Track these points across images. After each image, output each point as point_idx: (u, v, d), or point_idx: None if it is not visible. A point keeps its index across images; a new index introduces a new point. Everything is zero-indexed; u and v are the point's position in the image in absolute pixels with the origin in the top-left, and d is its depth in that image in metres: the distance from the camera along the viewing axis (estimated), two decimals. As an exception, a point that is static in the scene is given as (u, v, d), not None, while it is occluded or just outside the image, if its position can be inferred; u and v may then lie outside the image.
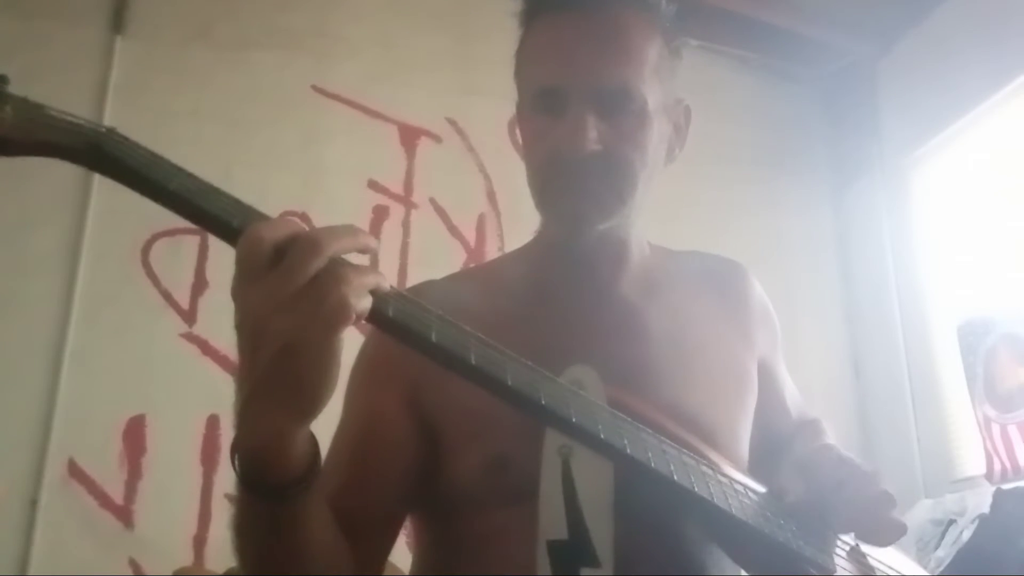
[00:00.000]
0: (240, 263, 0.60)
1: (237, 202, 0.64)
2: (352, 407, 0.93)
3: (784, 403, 1.06)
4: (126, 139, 0.65)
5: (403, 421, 0.89)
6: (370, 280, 0.61)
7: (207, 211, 0.62)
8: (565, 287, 0.96)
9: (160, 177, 0.63)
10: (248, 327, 0.61)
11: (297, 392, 0.62)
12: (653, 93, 0.90)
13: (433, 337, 0.66)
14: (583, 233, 0.91)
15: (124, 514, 2.58)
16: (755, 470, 0.91)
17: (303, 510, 0.69)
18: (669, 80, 0.94)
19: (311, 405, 0.62)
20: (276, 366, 0.60)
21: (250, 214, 0.64)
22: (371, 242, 0.64)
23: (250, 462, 0.66)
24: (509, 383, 0.68)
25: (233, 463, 0.67)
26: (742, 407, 0.97)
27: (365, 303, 0.60)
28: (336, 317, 0.59)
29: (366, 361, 0.94)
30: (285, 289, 0.58)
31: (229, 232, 0.63)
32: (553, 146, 0.88)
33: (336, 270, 0.59)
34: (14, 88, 0.63)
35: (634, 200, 0.92)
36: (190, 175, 0.64)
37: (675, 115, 0.98)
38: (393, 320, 0.65)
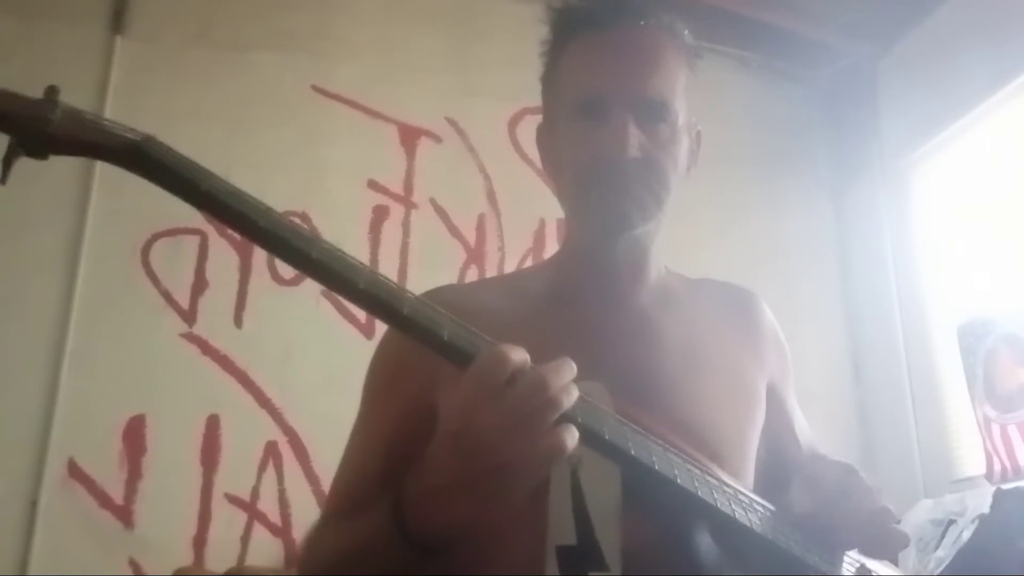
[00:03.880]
0: (481, 376, 0.67)
1: (268, 209, 0.70)
2: (378, 402, 0.96)
3: (793, 431, 1.08)
4: (161, 143, 0.71)
5: (429, 417, 0.90)
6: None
7: (235, 209, 0.69)
8: (585, 295, 0.98)
9: (192, 177, 0.70)
10: (474, 434, 0.67)
11: (498, 496, 0.69)
12: (682, 111, 0.96)
13: (444, 336, 0.70)
14: (622, 235, 0.95)
15: (124, 514, 2.58)
16: (763, 496, 0.91)
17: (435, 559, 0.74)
18: (688, 104, 1.00)
19: (503, 505, 0.69)
20: (491, 473, 0.67)
21: (272, 217, 0.69)
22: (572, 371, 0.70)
23: (422, 524, 0.71)
24: None
25: (399, 516, 0.72)
26: (751, 426, 0.99)
27: (572, 441, 0.67)
28: (558, 455, 0.66)
29: (385, 359, 0.98)
30: (521, 412, 0.66)
31: (255, 231, 0.69)
32: (596, 150, 0.92)
33: (544, 386, 0.67)
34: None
35: (665, 207, 0.96)
36: (219, 178, 0.71)
37: (690, 137, 1.03)
38: (407, 317, 0.70)
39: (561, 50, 0.99)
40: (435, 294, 0.97)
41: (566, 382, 0.68)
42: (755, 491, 0.91)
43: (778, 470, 1.00)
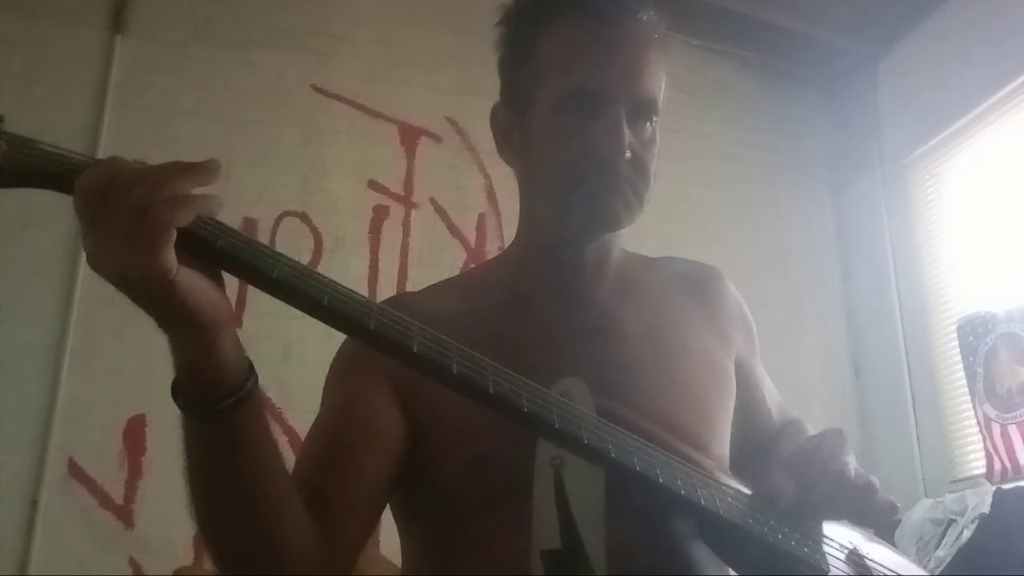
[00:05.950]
0: (76, 213, 0.62)
1: (231, 230, 0.66)
2: (332, 393, 0.92)
3: (763, 403, 1.06)
4: None
5: (386, 406, 0.88)
6: (181, 187, 0.61)
7: (187, 230, 0.63)
8: (545, 293, 0.96)
9: None
10: (101, 276, 0.61)
11: (168, 313, 0.63)
12: (660, 112, 0.93)
13: (414, 348, 0.68)
14: (604, 235, 0.93)
15: (124, 514, 2.58)
16: (738, 471, 0.91)
17: (242, 431, 0.70)
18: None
19: (194, 320, 0.64)
20: (136, 299, 0.62)
21: (230, 233, 0.65)
22: (209, 173, 0.63)
23: (184, 383, 0.67)
24: (491, 391, 0.70)
25: (176, 399, 0.68)
26: (723, 408, 0.98)
27: (182, 216, 0.60)
28: (151, 238, 0.59)
29: (347, 353, 0.94)
30: (108, 228, 0.60)
31: (210, 251, 0.64)
32: (589, 147, 0.88)
33: (144, 192, 0.59)
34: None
35: (645, 207, 0.93)
36: None
37: None
38: (375, 331, 0.67)
39: (540, 29, 0.93)
40: (394, 303, 0.95)
41: (163, 189, 0.60)
42: (731, 468, 0.90)
43: (752, 443, 1.00)
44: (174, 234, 0.60)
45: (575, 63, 0.90)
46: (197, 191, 0.62)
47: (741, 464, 0.95)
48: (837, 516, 0.87)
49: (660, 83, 0.92)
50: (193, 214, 0.61)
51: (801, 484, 0.84)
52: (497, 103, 1.00)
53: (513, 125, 0.97)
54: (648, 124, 0.91)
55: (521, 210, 1.00)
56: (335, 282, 0.67)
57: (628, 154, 0.87)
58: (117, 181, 0.60)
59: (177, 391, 0.68)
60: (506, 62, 0.99)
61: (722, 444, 0.95)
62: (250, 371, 0.69)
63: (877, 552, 0.92)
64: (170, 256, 0.60)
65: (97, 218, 0.60)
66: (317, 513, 0.77)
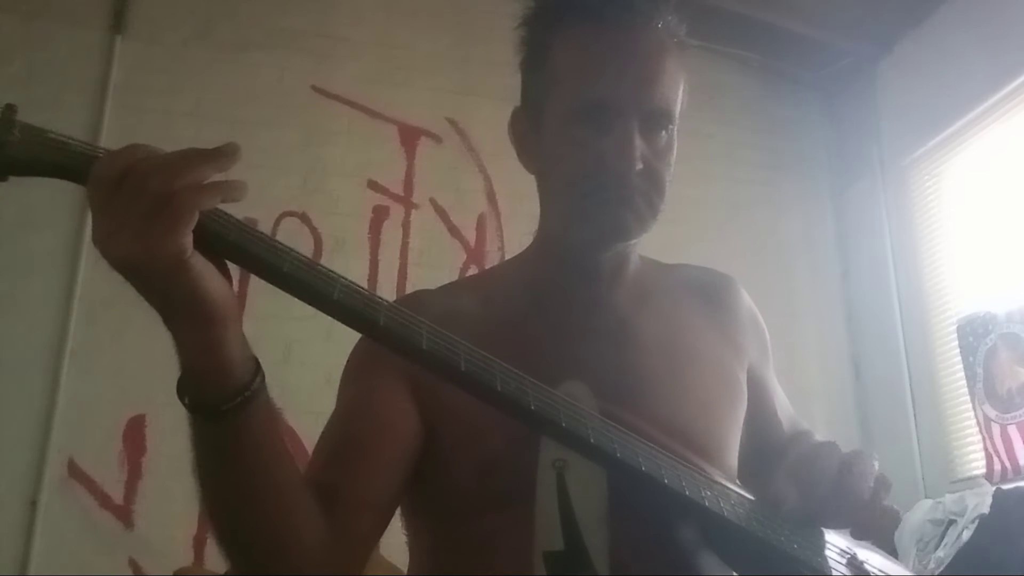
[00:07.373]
0: (90, 196, 0.62)
1: (241, 223, 0.66)
2: (347, 390, 0.93)
3: (775, 414, 1.06)
4: None
5: (400, 403, 0.88)
6: (202, 174, 0.61)
7: (199, 224, 0.63)
8: (562, 297, 0.96)
9: None
10: (109, 261, 0.61)
11: (180, 302, 0.63)
12: (677, 118, 0.93)
13: (423, 345, 0.68)
14: (615, 246, 0.93)
15: (124, 514, 2.58)
16: (746, 481, 0.91)
17: (248, 430, 0.69)
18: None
19: (203, 309, 0.63)
20: (146, 287, 0.63)
21: (241, 227, 0.65)
22: (229, 157, 0.63)
23: (190, 382, 0.67)
24: (498, 388, 0.70)
25: (181, 398, 0.68)
26: (733, 417, 0.98)
27: (207, 201, 0.61)
28: (172, 220, 0.59)
29: (363, 350, 0.94)
30: (125, 209, 0.60)
31: (221, 244, 0.64)
32: (599, 160, 0.87)
33: (168, 178, 0.60)
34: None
35: (660, 216, 0.93)
36: None
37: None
38: (384, 327, 0.67)
39: (554, 35, 0.92)
40: (410, 300, 0.95)
41: (185, 175, 0.60)
42: (739, 477, 0.91)
43: (762, 453, 0.99)
44: (196, 217, 0.60)
45: (586, 74, 0.89)
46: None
47: (750, 474, 0.95)
48: (837, 524, 0.87)
49: (676, 91, 0.91)
50: (217, 199, 0.61)
51: (802, 491, 0.84)
52: (517, 107, 0.99)
53: (529, 131, 0.96)
54: (663, 133, 0.90)
55: (540, 213, 0.99)
56: (345, 278, 0.67)
57: (640, 165, 0.87)
58: (139, 165, 0.60)
59: (183, 391, 0.67)
60: (524, 67, 0.97)
61: (730, 453, 0.95)
62: (257, 370, 0.69)
63: (875, 560, 0.92)
64: (187, 239, 0.60)
65: (113, 199, 0.60)
66: (328, 508, 0.77)
